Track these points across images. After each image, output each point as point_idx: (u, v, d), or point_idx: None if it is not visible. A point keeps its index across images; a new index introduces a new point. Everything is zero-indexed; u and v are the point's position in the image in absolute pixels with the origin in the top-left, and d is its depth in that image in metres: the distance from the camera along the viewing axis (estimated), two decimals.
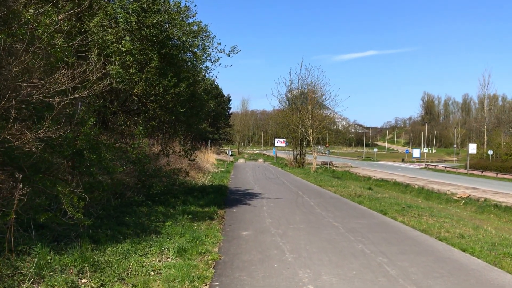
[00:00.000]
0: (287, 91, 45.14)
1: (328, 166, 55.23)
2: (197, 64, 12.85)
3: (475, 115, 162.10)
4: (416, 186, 37.47)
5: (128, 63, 10.46)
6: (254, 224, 11.15)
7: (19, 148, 6.98)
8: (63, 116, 8.03)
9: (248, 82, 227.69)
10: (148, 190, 13.02)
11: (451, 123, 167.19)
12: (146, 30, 10.51)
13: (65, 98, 6.57)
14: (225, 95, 75.47)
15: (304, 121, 39.49)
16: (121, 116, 12.50)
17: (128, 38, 10.37)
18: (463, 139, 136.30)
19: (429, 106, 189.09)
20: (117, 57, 10.40)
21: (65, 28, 6.95)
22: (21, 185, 5.76)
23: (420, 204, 17.93)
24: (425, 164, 71.64)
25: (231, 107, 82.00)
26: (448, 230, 11.43)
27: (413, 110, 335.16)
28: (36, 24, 6.43)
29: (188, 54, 12.85)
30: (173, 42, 11.41)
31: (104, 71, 8.06)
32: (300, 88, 41.81)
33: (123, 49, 10.38)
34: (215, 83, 13.78)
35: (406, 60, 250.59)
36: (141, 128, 11.45)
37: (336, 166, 57.58)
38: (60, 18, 6.71)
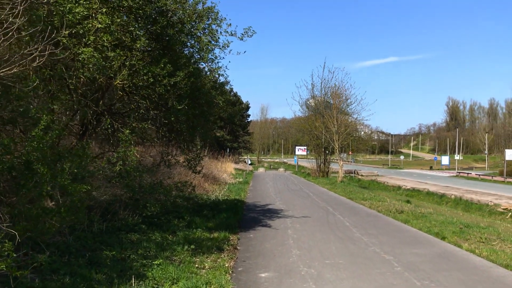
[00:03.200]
0: (309, 97, 42.11)
1: (353, 175, 51.91)
2: (203, 53, 10.11)
3: (503, 120, 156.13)
4: (453, 196, 34.01)
5: (105, 44, 7.81)
6: (276, 259, 8.29)
7: None
8: None
9: (266, 91, 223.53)
10: (142, 211, 10.33)
11: (477, 129, 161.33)
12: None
13: None
14: (244, 102, 72.91)
15: (329, 127, 36.43)
16: (107, 118, 9.84)
17: (104, 10, 7.74)
18: (490, 145, 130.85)
19: (454, 112, 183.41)
20: (91, 37, 7.78)
21: None
22: None
23: (478, 223, 14.80)
24: (457, 172, 67.48)
25: (250, 115, 79.28)
26: None
27: (437, 116, 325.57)
28: None
29: (190, 40, 10.18)
30: (168, 18, 8.72)
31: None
32: (324, 91, 38.74)
33: (99, 25, 7.75)
34: (226, 79, 10.91)
35: (428, 65, 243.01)
36: (127, 131, 8.78)
37: (362, 175, 54.20)
38: None
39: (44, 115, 6.34)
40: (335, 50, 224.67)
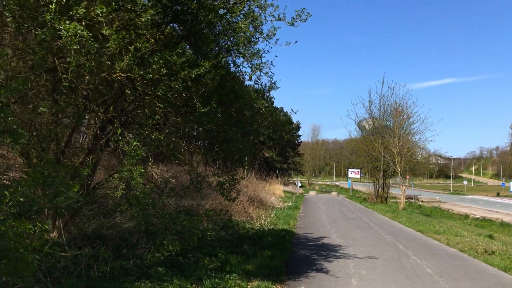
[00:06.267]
0: (366, 115, 38.60)
1: (413, 200, 47.60)
2: (242, 48, 7.68)
3: None
4: None
5: (100, 18, 5.57)
6: None
7: None
8: None
9: (317, 113, 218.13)
10: (158, 249, 7.92)
11: None
12: None
13: None
14: (294, 122, 70.21)
15: (389, 147, 32.96)
16: (118, 127, 7.56)
17: None
18: None
19: None
20: (81, 9, 5.55)
21: None
22: None
23: None
24: None
25: (300, 135, 76.36)
26: None
27: (500, 139, 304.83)
28: None
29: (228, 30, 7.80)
30: None
31: None
32: (383, 109, 35.33)
33: None
34: (271, 80, 8.34)
35: (488, 87, 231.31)
36: (134, 143, 6.45)
37: (422, 201, 49.72)
38: None
39: None
40: (388, 71, 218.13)
